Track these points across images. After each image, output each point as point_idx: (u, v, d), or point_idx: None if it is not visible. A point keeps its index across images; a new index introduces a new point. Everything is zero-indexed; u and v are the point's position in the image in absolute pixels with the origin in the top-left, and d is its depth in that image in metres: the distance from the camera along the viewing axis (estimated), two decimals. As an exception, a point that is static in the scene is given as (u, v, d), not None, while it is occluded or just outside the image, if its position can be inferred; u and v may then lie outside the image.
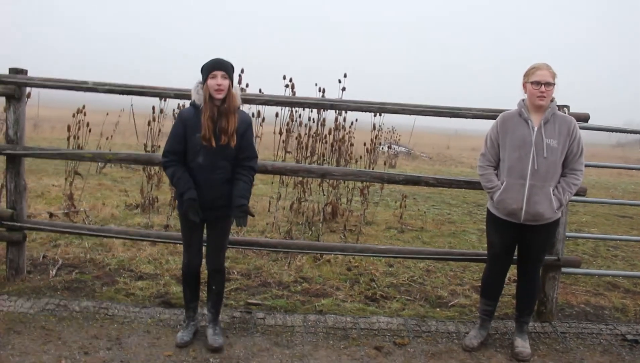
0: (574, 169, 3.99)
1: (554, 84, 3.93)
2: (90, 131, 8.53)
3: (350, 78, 7.22)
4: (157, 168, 9.28)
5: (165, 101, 8.07)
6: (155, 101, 8.24)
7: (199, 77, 3.84)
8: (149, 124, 8.53)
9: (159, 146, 8.88)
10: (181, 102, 9.07)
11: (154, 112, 8.40)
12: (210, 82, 3.71)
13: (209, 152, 3.75)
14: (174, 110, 9.54)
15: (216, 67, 3.73)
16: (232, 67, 3.83)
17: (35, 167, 11.80)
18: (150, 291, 4.98)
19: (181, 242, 5.00)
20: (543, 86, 3.88)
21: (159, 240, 5.21)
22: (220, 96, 3.73)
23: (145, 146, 8.56)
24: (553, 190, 3.94)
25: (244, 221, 3.85)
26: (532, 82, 3.94)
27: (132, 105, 11.07)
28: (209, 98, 3.73)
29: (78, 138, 8.02)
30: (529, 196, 3.91)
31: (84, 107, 8.27)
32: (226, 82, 3.73)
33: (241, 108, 3.95)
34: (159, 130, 8.73)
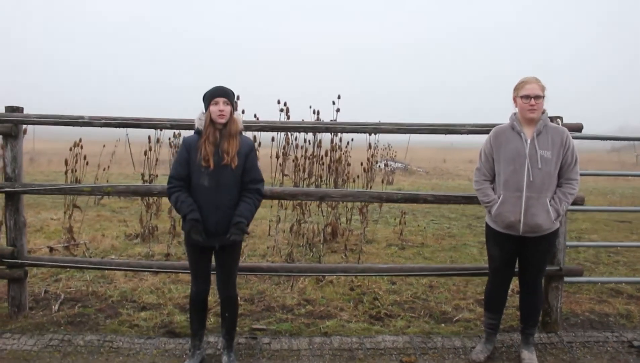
0: (569, 179, 4.02)
1: (543, 96, 3.99)
2: (87, 163, 8.56)
3: (348, 101, 7.28)
4: (155, 196, 9.29)
5: (161, 131, 8.11)
6: (151, 131, 8.28)
7: (200, 107, 3.97)
8: (145, 153, 8.55)
9: (157, 176, 8.90)
10: (177, 131, 9.15)
11: (150, 142, 8.43)
12: (212, 108, 3.84)
13: (213, 174, 3.81)
14: (169, 138, 9.58)
15: (218, 94, 3.86)
16: (233, 94, 3.97)
17: (33, 201, 11.79)
18: (154, 321, 4.97)
19: (183, 271, 5.01)
20: (532, 99, 3.94)
21: (161, 270, 5.20)
22: (223, 120, 3.84)
23: (143, 175, 8.57)
24: (550, 201, 3.96)
25: (240, 237, 3.90)
26: (522, 96, 3.99)
27: (127, 135, 11.08)
28: (211, 123, 3.85)
29: (76, 171, 8.04)
30: (527, 208, 3.93)
31: (80, 140, 8.30)
32: (228, 108, 3.87)
33: (243, 133, 4.04)
34: (156, 159, 8.75)
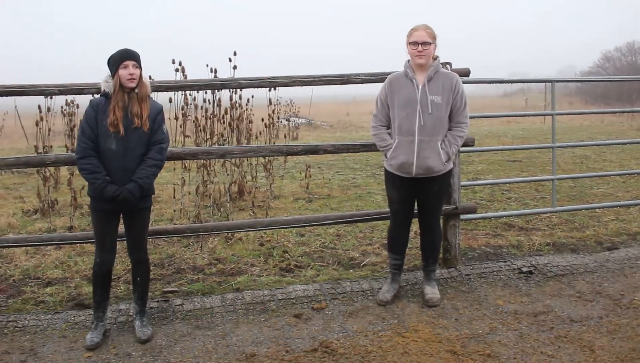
0: (459, 123, 4.25)
1: (431, 43, 4.15)
2: (-28, 139, 8.07)
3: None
4: (52, 169, 8.90)
5: (51, 98, 7.74)
6: (40, 100, 7.90)
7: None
8: (36, 124, 8.15)
9: (51, 147, 8.52)
10: (69, 98, 8.76)
11: (40, 112, 8.03)
12: (122, 72, 3.75)
13: (120, 138, 3.76)
14: (62, 107, 9.16)
15: (126, 57, 3.78)
16: (140, 57, 3.90)
17: None
18: (61, 295, 4.84)
19: (88, 241, 4.89)
20: (420, 45, 4.11)
21: (64, 242, 5.05)
22: (133, 84, 3.78)
23: (36, 147, 8.18)
24: (441, 144, 4.18)
25: (130, 197, 3.80)
26: (410, 43, 4.17)
27: (16, 106, 10.49)
28: (120, 88, 3.77)
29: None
30: (419, 151, 4.13)
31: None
32: (137, 71, 3.80)
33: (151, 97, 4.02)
34: (49, 129, 8.36)
